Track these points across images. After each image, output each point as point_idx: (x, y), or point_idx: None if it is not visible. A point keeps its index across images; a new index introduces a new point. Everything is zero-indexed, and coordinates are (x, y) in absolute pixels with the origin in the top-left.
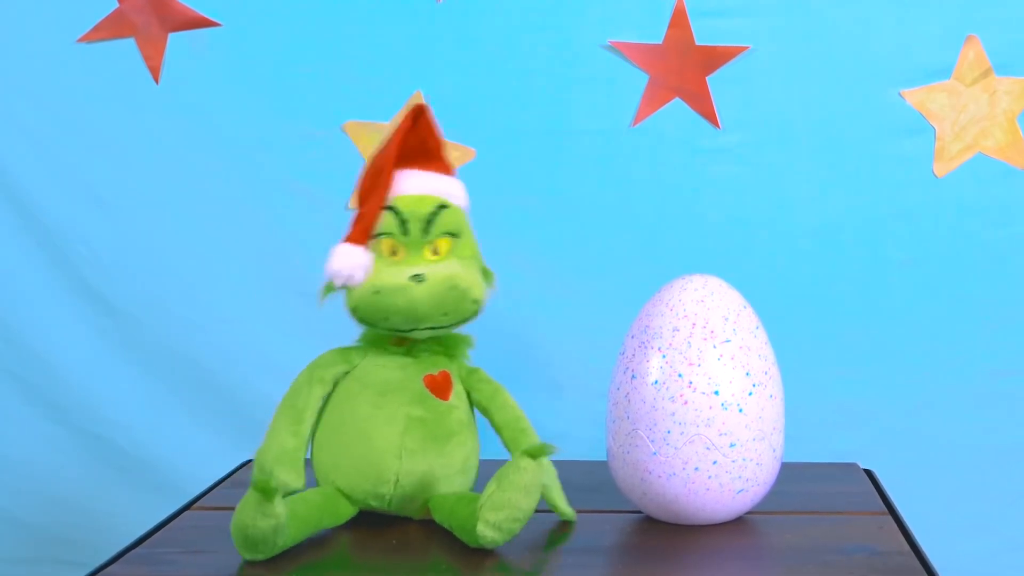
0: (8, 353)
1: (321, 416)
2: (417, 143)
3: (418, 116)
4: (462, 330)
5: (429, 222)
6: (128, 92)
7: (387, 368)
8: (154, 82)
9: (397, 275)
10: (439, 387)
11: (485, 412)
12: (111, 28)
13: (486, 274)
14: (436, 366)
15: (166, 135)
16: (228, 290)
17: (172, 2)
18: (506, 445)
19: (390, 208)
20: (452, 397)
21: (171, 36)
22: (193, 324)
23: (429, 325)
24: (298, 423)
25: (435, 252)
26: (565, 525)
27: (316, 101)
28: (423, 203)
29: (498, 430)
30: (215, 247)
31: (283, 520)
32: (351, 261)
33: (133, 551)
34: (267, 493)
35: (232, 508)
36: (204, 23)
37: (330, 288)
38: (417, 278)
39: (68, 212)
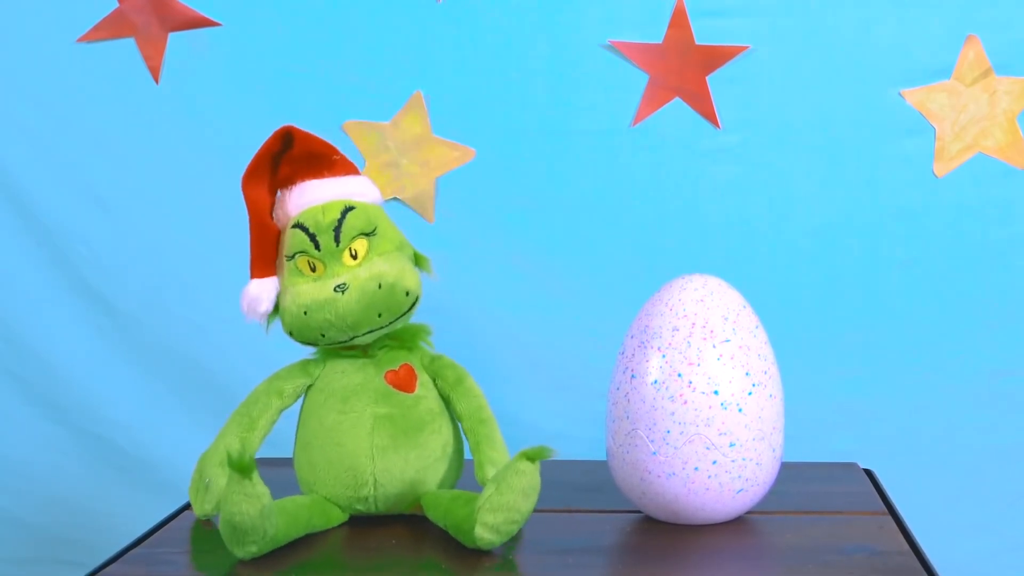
0: (8, 353)
1: (296, 434)
2: (304, 155)
3: (285, 138)
4: (417, 319)
5: (337, 229)
6: (128, 92)
7: (347, 373)
8: (154, 82)
9: (321, 290)
10: (402, 381)
11: (447, 400)
12: (111, 28)
13: (420, 260)
14: (396, 361)
15: (166, 135)
16: (228, 290)
17: (172, 2)
18: (465, 435)
19: (296, 226)
20: (418, 388)
21: (171, 36)
22: (193, 324)
23: (367, 330)
24: (249, 430)
25: (354, 256)
26: (563, 526)
27: (316, 101)
28: (327, 212)
29: (459, 419)
30: (215, 247)
31: (267, 501)
32: (252, 295)
33: (133, 551)
34: (244, 470)
35: None
36: (204, 23)
37: (271, 317)
38: (340, 288)
39: (68, 212)
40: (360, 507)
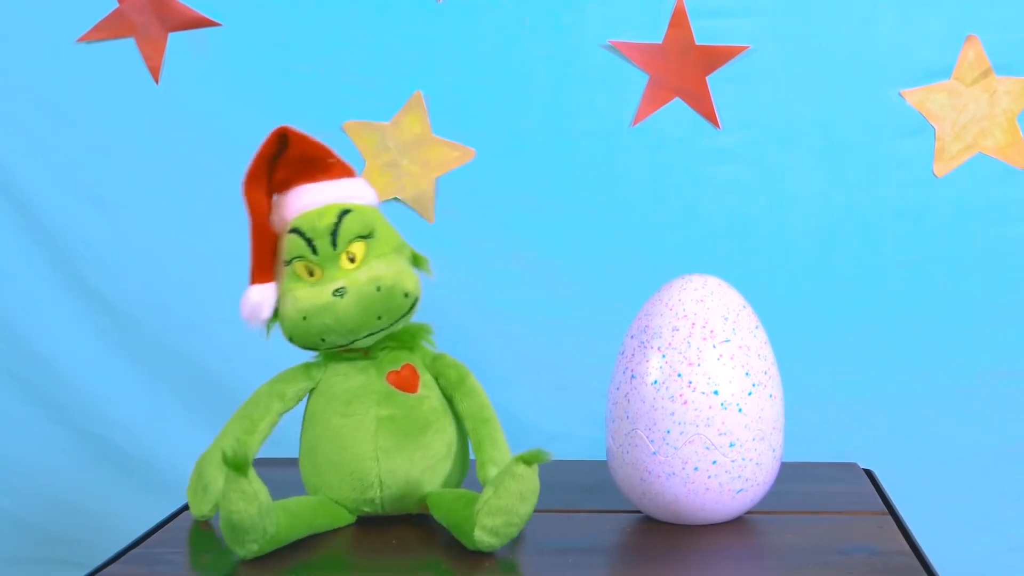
0: (8, 353)
1: (300, 438)
2: (300, 158)
3: (281, 139)
4: (418, 319)
5: (334, 233)
6: (128, 92)
7: (348, 376)
8: (154, 82)
9: (319, 295)
10: (405, 382)
11: (450, 400)
12: (111, 28)
13: (418, 260)
14: (397, 362)
15: (166, 135)
16: (228, 290)
17: (172, 2)
18: (468, 435)
19: (294, 231)
20: (421, 388)
21: (171, 36)
22: (193, 324)
23: (367, 333)
24: (248, 433)
25: (351, 260)
26: (563, 526)
27: (316, 101)
28: (323, 216)
29: (461, 418)
30: (215, 247)
31: (264, 499)
32: (254, 301)
33: (132, 551)
34: (239, 467)
35: None
36: (204, 23)
37: (270, 323)
38: (339, 292)
39: (68, 212)
40: (367, 508)
